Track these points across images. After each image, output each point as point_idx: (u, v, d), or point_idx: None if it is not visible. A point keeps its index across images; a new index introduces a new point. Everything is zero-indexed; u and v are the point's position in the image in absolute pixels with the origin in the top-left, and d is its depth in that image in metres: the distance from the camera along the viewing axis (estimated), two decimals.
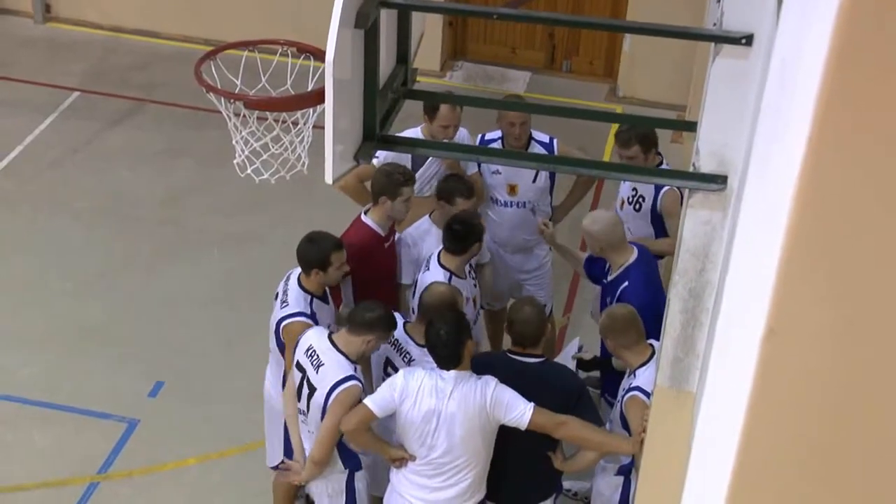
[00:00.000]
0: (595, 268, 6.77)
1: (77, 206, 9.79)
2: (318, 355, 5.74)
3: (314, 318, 6.06)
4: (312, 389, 5.75)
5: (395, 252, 6.79)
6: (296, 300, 6.08)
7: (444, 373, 5.45)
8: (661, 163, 7.11)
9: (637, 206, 7.12)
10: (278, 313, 6.15)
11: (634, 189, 7.13)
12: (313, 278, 6.09)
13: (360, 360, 6.05)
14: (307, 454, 5.91)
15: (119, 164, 10.38)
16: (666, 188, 6.93)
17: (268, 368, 6.47)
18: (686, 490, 3.15)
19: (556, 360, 6.58)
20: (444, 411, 5.43)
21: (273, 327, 6.20)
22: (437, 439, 5.50)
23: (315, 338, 5.82)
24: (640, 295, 6.20)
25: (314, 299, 6.12)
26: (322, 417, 5.72)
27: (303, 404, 5.87)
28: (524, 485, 5.91)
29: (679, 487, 3.25)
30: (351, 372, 5.67)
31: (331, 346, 5.74)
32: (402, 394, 5.47)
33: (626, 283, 6.35)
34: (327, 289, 6.29)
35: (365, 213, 6.62)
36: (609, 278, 6.53)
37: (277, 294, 6.23)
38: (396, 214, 6.59)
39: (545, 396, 5.57)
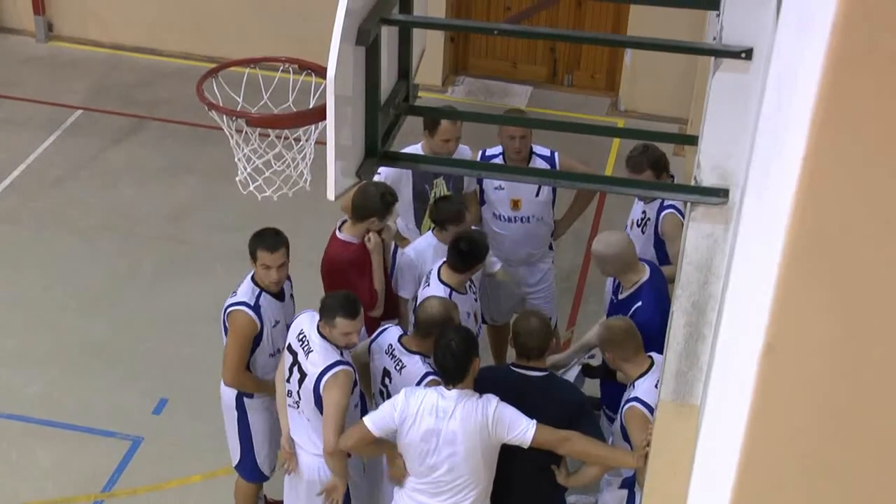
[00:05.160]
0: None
1: (81, 223, 9.81)
2: (308, 341, 5.84)
3: (258, 311, 6.13)
4: (304, 375, 5.82)
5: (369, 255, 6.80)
6: (243, 291, 6.19)
7: (446, 392, 5.44)
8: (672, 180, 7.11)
9: (644, 229, 7.12)
10: (226, 302, 6.25)
11: (644, 212, 7.11)
12: (257, 271, 6.17)
13: (356, 361, 6.08)
14: (303, 433, 5.97)
15: (122, 182, 10.41)
16: (666, 211, 6.90)
17: None
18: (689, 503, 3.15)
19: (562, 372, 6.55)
20: (445, 431, 5.41)
21: (222, 318, 6.28)
22: (439, 458, 5.49)
23: (307, 323, 5.91)
24: (655, 313, 6.16)
25: (263, 293, 6.17)
26: (315, 404, 5.78)
27: (293, 387, 5.91)
28: (528, 500, 5.90)
29: (684, 501, 3.25)
30: (337, 357, 5.76)
31: (318, 333, 5.82)
32: (402, 414, 5.47)
33: (639, 303, 6.31)
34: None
35: (340, 230, 6.64)
36: (621, 296, 6.50)
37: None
38: (376, 229, 6.64)
39: (548, 410, 5.56)
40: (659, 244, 7.07)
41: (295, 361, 5.88)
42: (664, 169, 6.95)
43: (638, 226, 7.17)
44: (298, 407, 5.94)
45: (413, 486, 5.64)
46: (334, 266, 6.59)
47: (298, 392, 5.88)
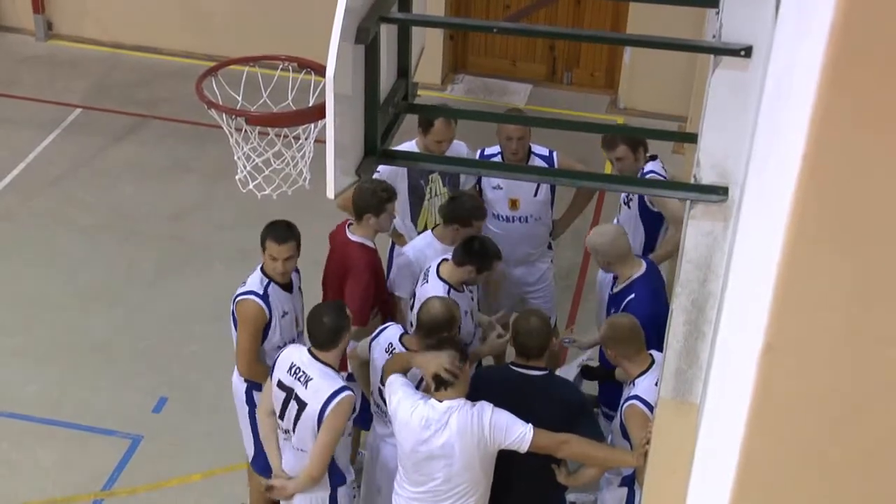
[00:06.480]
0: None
1: (81, 222, 9.81)
2: (302, 370, 5.69)
3: (266, 300, 6.17)
4: (302, 405, 5.66)
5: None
6: (252, 281, 6.25)
7: (437, 404, 5.39)
8: (653, 158, 7.10)
9: (629, 204, 7.19)
10: (235, 292, 6.30)
11: None
12: (265, 261, 6.24)
13: (358, 374, 6.06)
14: (298, 469, 5.85)
15: (122, 180, 10.40)
16: (647, 176, 6.91)
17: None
18: (689, 502, 3.15)
19: (560, 368, 6.55)
20: (439, 443, 5.36)
21: (231, 309, 6.31)
22: (434, 469, 5.44)
23: (295, 354, 5.79)
24: (646, 308, 6.19)
25: (271, 283, 6.22)
26: (318, 429, 5.64)
27: (288, 424, 5.77)
28: (528, 500, 5.89)
29: (683, 499, 3.25)
30: (342, 383, 5.68)
31: (312, 359, 5.70)
32: (393, 419, 5.49)
33: (631, 296, 6.35)
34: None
35: (352, 234, 6.61)
36: (615, 290, 6.54)
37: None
38: (382, 228, 6.65)
39: (548, 409, 5.55)
40: (646, 215, 7.10)
41: (290, 397, 5.72)
42: (640, 144, 6.95)
43: (625, 203, 7.22)
44: (289, 439, 5.82)
45: (411, 495, 5.60)
46: (349, 268, 6.53)
47: (294, 426, 5.73)
